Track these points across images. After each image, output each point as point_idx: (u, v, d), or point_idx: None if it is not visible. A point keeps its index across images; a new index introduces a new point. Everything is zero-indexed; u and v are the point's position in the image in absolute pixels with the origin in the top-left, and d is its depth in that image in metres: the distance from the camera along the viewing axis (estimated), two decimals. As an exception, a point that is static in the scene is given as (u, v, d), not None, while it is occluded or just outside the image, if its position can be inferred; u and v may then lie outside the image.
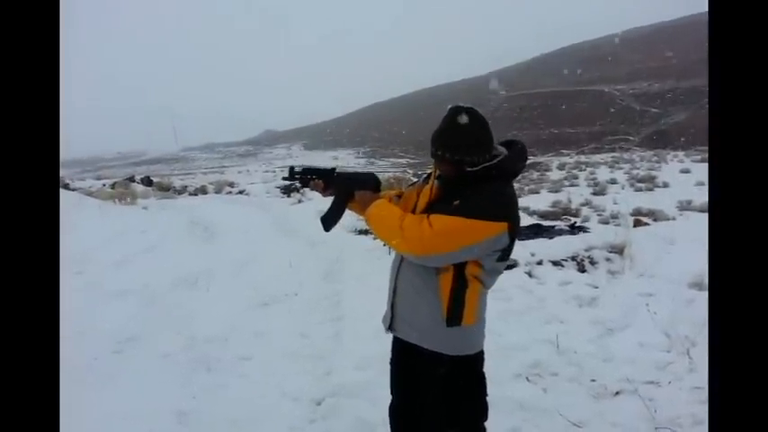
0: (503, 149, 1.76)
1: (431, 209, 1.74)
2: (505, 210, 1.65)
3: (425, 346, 1.77)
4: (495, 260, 1.71)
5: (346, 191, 1.94)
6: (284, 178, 2.03)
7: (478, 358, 1.84)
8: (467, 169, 1.68)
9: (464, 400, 1.82)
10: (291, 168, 1.99)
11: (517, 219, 1.70)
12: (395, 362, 1.99)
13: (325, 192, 1.97)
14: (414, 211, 1.82)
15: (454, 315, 1.72)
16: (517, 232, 1.70)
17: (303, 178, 1.98)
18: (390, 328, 1.91)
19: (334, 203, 1.96)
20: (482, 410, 1.86)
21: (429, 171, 1.90)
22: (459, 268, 1.68)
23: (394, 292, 1.87)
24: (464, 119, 1.68)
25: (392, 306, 1.89)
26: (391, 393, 2.03)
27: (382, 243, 1.87)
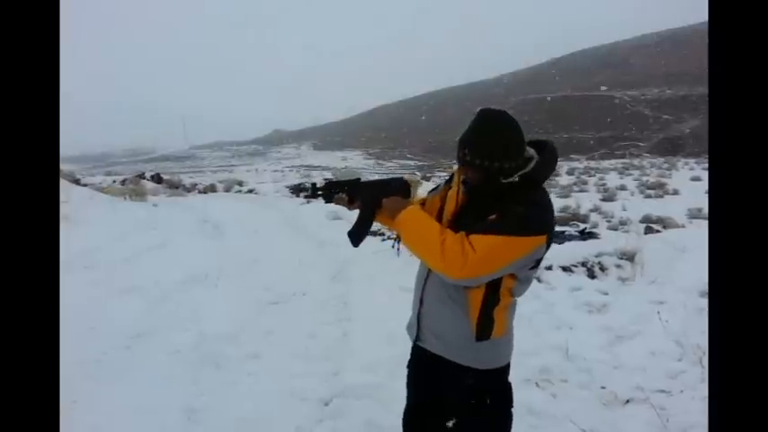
0: (532, 152, 1.65)
1: (459, 218, 1.67)
2: (546, 221, 1.57)
3: (453, 360, 1.71)
4: (528, 269, 1.64)
5: (373, 200, 1.81)
6: (306, 196, 1.97)
7: (506, 368, 1.78)
8: (501, 180, 1.58)
9: (489, 410, 1.75)
10: (314, 185, 1.92)
11: (554, 227, 1.63)
12: (416, 367, 1.93)
13: (351, 205, 1.86)
14: (440, 219, 1.73)
15: (484, 330, 1.65)
16: (553, 240, 1.62)
17: (326, 194, 1.88)
18: (417, 338, 1.84)
19: (360, 216, 1.85)
20: (507, 421, 1.82)
21: (445, 174, 1.82)
22: (494, 284, 1.61)
23: (420, 302, 1.80)
24: (496, 123, 1.57)
25: (418, 316, 1.81)
26: (409, 396, 1.98)
27: (398, 249, 1.79)
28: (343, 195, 1.86)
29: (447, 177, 1.89)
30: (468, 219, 1.63)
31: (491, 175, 1.58)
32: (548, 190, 1.67)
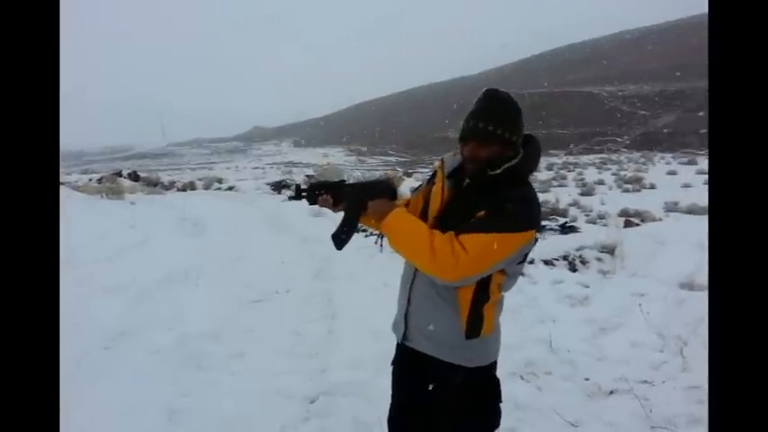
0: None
1: (445, 215, 1.65)
2: (534, 217, 1.57)
3: (442, 358, 1.69)
4: (516, 264, 1.63)
5: (358, 202, 1.77)
6: (291, 197, 1.93)
7: (493, 365, 1.77)
8: (489, 172, 1.58)
9: (478, 408, 1.73)
10: (298, 186, 1.89)
11: (541, 221, 1.65)
12: (402, 365, 1.90)
13: (335, 207, 1.82)
14: (425, 217, 1.71)
15: (474, 328, 1.63)
16: (540, 234, 1.64)
17: (311, 195, 1.84)
18: (404, 338, 1.81)
19: (344, 218, 1.81)
20: (495, 417, 1.81)
21: (428, 170, 1.79)
22: (484, 281, 1.59)
23: (408, 300, 1.77)
24: (508, 97, 1.62)
25: (405, 316, 1.78)
26: (394, 395, 1.94)
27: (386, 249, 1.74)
28: (328, 197, 1.82)
29: (429, 176, 1.85)
30: (454, 216, 1.61)
31: (507, 149, 1.60)
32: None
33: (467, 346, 1.66)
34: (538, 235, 1.59)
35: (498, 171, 1.57)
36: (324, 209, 1.87)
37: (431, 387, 1.78)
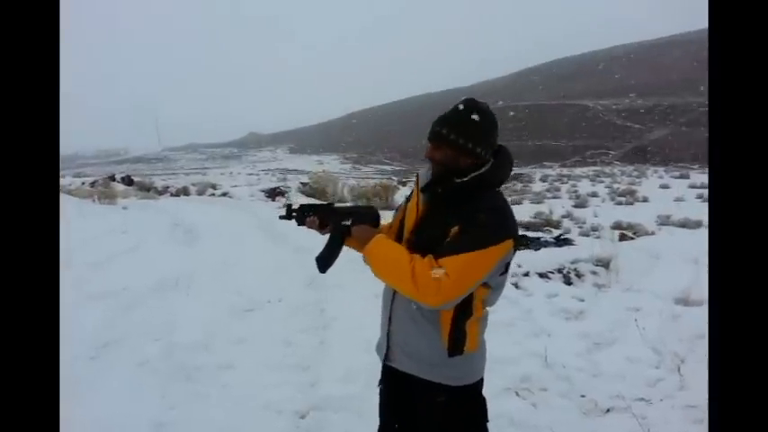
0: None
1: (420, 230, 1.66)
2: (509, 225, 1.57)
3: (424, 378, 1.67)
4: (499, 275, 1.62)
5: (343, 226, 1.82)
6: (281, 217, 1.95)
7: (479, 383, 1.74)
8: (455, 180, 1.59)
9: (464, 428, 1.71)
10: (288, 206, 1.92)
11: (518, 228, 1.63)
12: (387, 386, 1.88)
13: (322, 229, 1.85)
14: (402, 234, 1.73)
15: (456, 345, 1.62)
16: (519, 241, 1.62)
17: (299, 216, 1.88)
18: (386, 358, 1.79)
19: (329, 240, 1.84)
20: None
21: (410, 187, 1.79)
22: (467, 297, 1.57)
23: (389, 320, 1.76)
24: (479, 108, 1.63)
25: (387, 335, 1.77)
26: (381, 417, 1.92)
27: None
28: (315, 219, 1.85)
29: (408, 195, 1.87)
30: (428, 228, 1.63)
31: (462, 155, 1.60)
32: (512, 196, 1.67)
33: (448, 364, 1.64)
34: (515, 243, 1.58)
35: (465, 179, 1.59)
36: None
37: (415, 409, 1.76)
